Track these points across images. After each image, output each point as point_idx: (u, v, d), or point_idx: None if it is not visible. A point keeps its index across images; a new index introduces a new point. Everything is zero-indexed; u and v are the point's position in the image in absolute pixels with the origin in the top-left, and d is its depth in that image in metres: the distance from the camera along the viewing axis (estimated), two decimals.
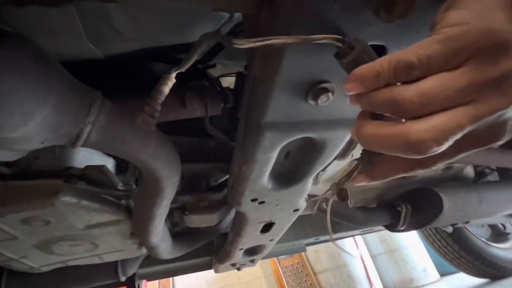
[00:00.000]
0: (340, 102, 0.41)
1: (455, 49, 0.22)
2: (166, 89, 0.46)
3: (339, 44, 0.28)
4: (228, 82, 0.81)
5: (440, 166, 0.26)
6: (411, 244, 3.74)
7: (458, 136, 0.23)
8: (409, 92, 0.23)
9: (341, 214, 1.25)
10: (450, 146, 0.24)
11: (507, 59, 0.22)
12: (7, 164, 0.57)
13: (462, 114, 0.22)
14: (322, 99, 0.37)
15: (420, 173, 0.26)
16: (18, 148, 0.37)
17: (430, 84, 0.22)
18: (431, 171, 1.47)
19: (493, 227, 2.25)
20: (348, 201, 0.40)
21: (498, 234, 2.23)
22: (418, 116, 0.23)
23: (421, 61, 0.23)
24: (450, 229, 1.82)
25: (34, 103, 0.34)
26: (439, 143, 0.22)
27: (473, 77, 0.22)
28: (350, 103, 0.28)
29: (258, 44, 0.29)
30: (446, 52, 0.22)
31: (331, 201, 0.38)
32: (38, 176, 0.57)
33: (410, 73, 0.23)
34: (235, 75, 0.70)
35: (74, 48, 0.49)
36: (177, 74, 0.46)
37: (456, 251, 2.00)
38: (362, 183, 0.29)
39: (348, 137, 0.51)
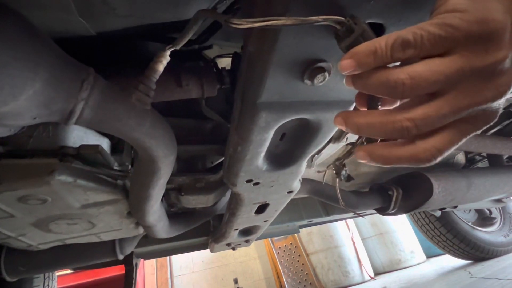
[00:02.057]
0: (336, 83, 0.41)
1: (449, 34, 0.23)
2: (161, 67, 0.45)
3: (338, 27, 0.28)
4: (225, 63, 0.79)
5: (440, 159, 0.26)
6: (400, 227, 3.88)
7: (440, 123, 0.25)
8: (402, 74, 0.24)
9: (334, 197, 1.28)
10: (448, 134, 0.25)
11: (496, 50, 0.22)
12: (0, 142, 0.56)
13: (445, 103, 0.24)
14: (319, 78, 0.37)
15: (425, 165, 0.27)
16: (10, 123, 0.37)
17: (421, 68, 0.24)
18: None
19: (479, 211, 2.33)
20: (341, 177, 0.42)
21: (484, 219, 2.32)
22: (408, 97, 0.25)
23: (416, 40, 0.23)
24: (438, 213, 1.89)
25: (24, 77, 0.33)
26: (420, 129, 0.25)
27: (462, 65, 0.23)
28: (346, 83, 0.29)
29: (257, 25, 0.29)
30: (440, 35, 0.23)
31: (338, 179, 0.40)
32: (33, 155, 0.57)
33: (405, 51, 0.24)
34: (231, 56, 0.69)
35: (65, 23, 0.47)
36: (172, 54, 0.45)
37: (443, 234, 2.09)
38: (363, 160, 0.29)
39: None
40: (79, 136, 0.63)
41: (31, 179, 0.55)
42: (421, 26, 0.24)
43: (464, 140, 0.26)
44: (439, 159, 0.26)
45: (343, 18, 0.28)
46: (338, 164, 0.37)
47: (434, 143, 0.26)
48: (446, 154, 0.26)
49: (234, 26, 0.30)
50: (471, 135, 0.26)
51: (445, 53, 0.23)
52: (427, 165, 0.26)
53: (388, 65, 0.26)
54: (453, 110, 0.24)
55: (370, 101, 0.30)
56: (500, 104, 0.25)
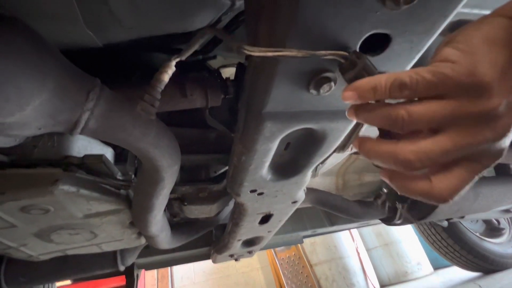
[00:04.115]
0: (342, 92, 0.41)
1: (441, 81, 0.25)
2: (166, 77, 0.46)
3: (343, 60, 0.32)
4: (229, 73, 0.80)
5: (456, 198, 0.28)
6: (406, 238, 3.80)
7: (444, 159, 0.26)
8: (402, 110, 0.27)
9: (338, 207, 1.26)
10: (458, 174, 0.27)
11: (488, 99, 0.25)
12: (5, 152, 0.56)
13: (446, 140, 0.26)
14: (324, 88, 0.37)
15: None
16: (15, 133, 0.37)
17: (419, 106, 0.26)
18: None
19: (487, 222, 2.28)
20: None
21: (492, 229, 2.27)
22: (407, 130, 0.27)
23: (412, 83, 0.26)
24: (445, 224, 1.85)
25: (31, 88, 0.33)
26: (423, 163, 0.26)
27: (455, 108, 0.25)
28: (348, 116, 0.32)
29: (269, 54, 0.31)
30: (433, 82, 0.26)
31: None
32: (37, 165, 0.57)
33: (402, 92, 0.27)
34: (235, 66, 0.70)
35: (72, 35, 0.48)
36: (177, 64, 0.45)
37: (450, 245, 2.04)
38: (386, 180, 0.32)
39: (348, 128, 0.51)
40: (83, 145, 0.63)
41: (35, 189, 0.55)
42: (418, 71, 0.26)
43: (476, 178, 0.27)
44: (455, 198, 0.28)
45: (347, 54, 0.31)
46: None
47: (449, 183, 0.27)
48: (462, 193, 0.28)
49: (246, 53, 0.32)
50: (482, 172, 0.27)
51: (442, 96, 0.26)
52: (445, 203, 0.28)
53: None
54: (455, 147, 0.26)
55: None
56: (505, 143, 0.26)
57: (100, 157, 0.60)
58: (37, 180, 0.56)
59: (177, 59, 0.45)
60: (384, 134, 0.32)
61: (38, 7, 0.39)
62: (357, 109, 0.30)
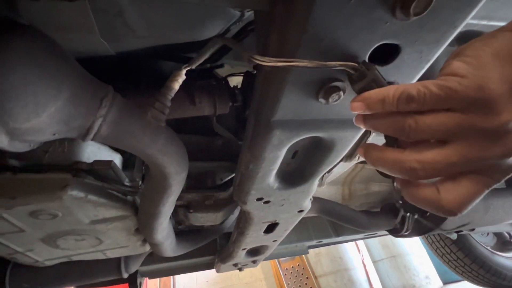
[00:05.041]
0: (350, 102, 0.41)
1: (448, 95, 0.25)
2: (176, 85, 0.46)
3: (352, 71, 0.32)
4: (236, 82, 0.81)
5: (465, 211, 0.28)
6: (414, 250, 3.70)
7: (450, 171, 0.26)
8: (409, 118, 0.27)
9: (344, 217, 1.24)
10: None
11: (497, 114, 0.24)
12: (17, 157, 0.57)
13: (453, 152, 0.26)
14: (333, 97, 0.37)
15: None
16: (30, 139, 0.38)
17: (427, 116, 0.27)
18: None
19: (498, 235, 2.21)
20: None
21: (503, 243, 2.19)
22: (414, 139, 0.28)
23: (419, 96, 0.26)
24: (454, 236, 1.80)
25: (47, 95, 0.34)
26: (428, 172, 0.26)
27: (463, 122, 0.25)
28: (356, 122, 0.32)
29: (280, 64, 0.31)
30: (440, 96, 0.26)
31: None
32: (47, 170, 0.58)
33: (409, 104, 0.27)
34: (242, 74, 0.70)
35: (87, 44, 0.50)
36: (186, 72, 0.46)
37: (460, 258, 1.97)
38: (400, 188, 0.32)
39: (356, 137, 0.51)
40: (93, 151, 0.64)
41: (44, 194, 0.56)
42: (426, 84, 0.26)
43: (486, 191, 0.27)
44: (464, 211, 0.27)
45: (357, 65, 0.31)
46: None
47: (457, 194, 0.27)
48: (471, 206, 0.27)
49: (257, 63, 0.32)
50: (492, 186, 0.27)
51: (450, 109, 0.26)
52: (453, 216, 0.27)
53: None
54: (461, 160, 0.25)
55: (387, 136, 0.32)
56: None
57: (109, 163, 0.60)
58: (47, 185, 0.56)
59: (188, 68, 0.46)
60: (391, 143, 0.32)
61: (56, 19, 0.41)
62: (365, 116, 0.31)
